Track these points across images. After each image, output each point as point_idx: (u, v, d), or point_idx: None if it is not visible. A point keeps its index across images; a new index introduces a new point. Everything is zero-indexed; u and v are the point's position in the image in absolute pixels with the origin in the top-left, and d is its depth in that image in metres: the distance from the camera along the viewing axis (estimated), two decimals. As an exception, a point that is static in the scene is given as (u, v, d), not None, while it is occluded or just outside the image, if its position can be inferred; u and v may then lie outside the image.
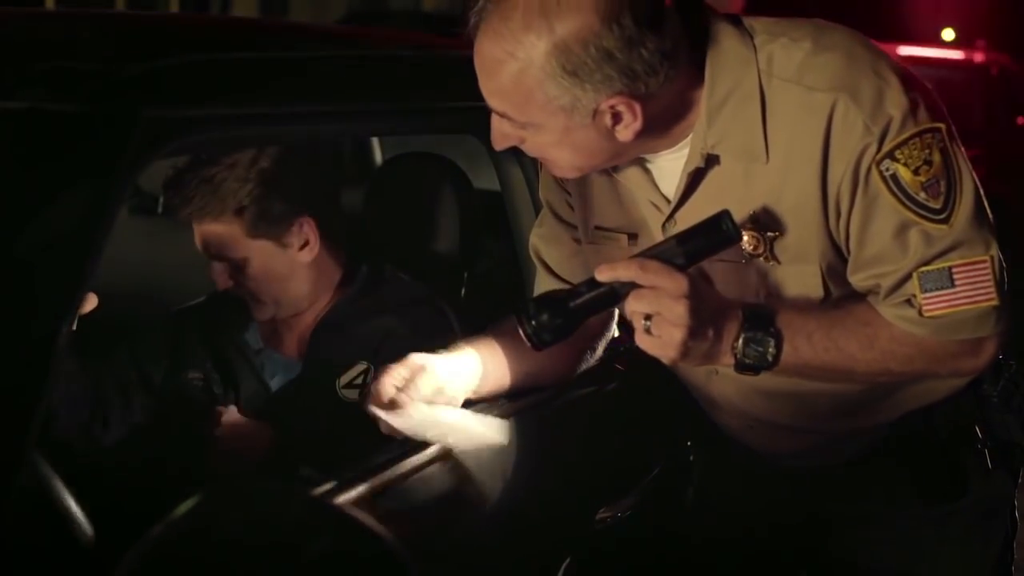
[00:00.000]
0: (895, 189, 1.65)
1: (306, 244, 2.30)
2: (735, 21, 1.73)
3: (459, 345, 1.93)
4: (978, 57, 8.91)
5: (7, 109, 1.42)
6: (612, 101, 1.61)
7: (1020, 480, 2.04)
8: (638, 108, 1.63)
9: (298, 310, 2.35)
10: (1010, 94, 8.77)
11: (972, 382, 1.91)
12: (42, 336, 1.31)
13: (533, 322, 1.66)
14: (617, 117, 1.64)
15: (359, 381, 2.25)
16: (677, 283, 1.59)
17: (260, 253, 2.27)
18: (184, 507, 1.13)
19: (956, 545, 2.01)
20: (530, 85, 1.60)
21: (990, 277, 1.68)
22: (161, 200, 2.29)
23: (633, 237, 1.87)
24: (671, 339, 1.60)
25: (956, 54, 9.27)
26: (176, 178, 2.23)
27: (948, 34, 16.38)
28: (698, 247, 1.62)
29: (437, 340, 2.25)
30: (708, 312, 1.62)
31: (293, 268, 2.30)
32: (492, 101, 1.67)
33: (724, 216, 1.61)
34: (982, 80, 8.46)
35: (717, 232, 1.61)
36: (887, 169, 1.64)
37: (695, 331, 1.60)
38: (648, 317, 1.61)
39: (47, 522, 1.43)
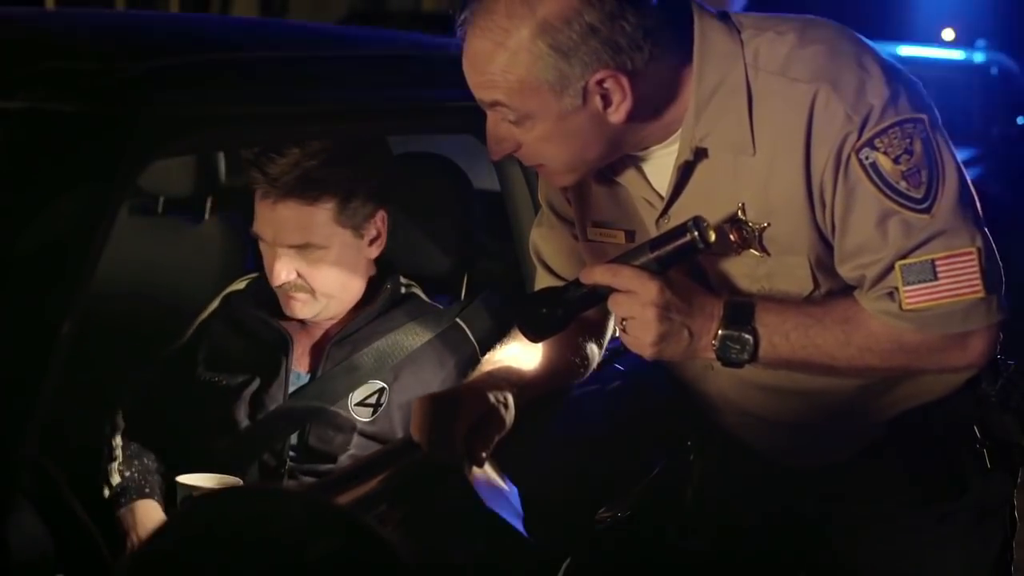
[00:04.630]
0: (875, 178, 1.66)
1: (376, 238, 2.24)
2: (723, 17, 1.76)
3: (493, 367, 1.90)
4: (978, 57, 8.90)
5: (7, 109, 1.42)
6: (600, 75, 1.64)
7: (1019, 479, 2.04)
8: (626, 83, 1.65)
9: (338, 312, 2.26)
10: (1010, 94, 8.77)
11: (970, 381, 1.91)
12: (42, 336, 1.31)
13: (528, 316, 1.78)
14: (607, 99, 1.66)
15: (372, 401, 2.20)
16: (647, 289, 1.68)
17: (340, 242, 2.19)
18: (184, 507, 1.13)
19: (955, 545, 2.01)
20: (520, 71, 1.64)
21: (976, 269, 1.68)
22: (257, 175, 2.13)
23: (631, 234, 1.89)
24: (643, 340, 1.71)
25: (956, 54, 9.27)
26: (278, 154, 2.11)
27: (948, 34, 16.38)
28: (668, 253, 1.70)
29: (458, 362, 2.24)
30: (682, 314, 1.70)
31: (359, 262, 2.23)
32: (484, 94, 1.70)
33: (692, 223, 1.68)
34: (982, 80, 8.46)
35: (685, 239, 1.69)
36: (867, 158, 1.66)
37: (666, 334, 1.70)
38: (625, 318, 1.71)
39: (49, 522, 1.43)
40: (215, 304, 2.38)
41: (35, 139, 1.41)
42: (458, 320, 2.29)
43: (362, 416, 2.19)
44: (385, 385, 2.21)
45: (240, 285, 2.38)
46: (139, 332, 2.50)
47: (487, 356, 1.94)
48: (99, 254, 1.37)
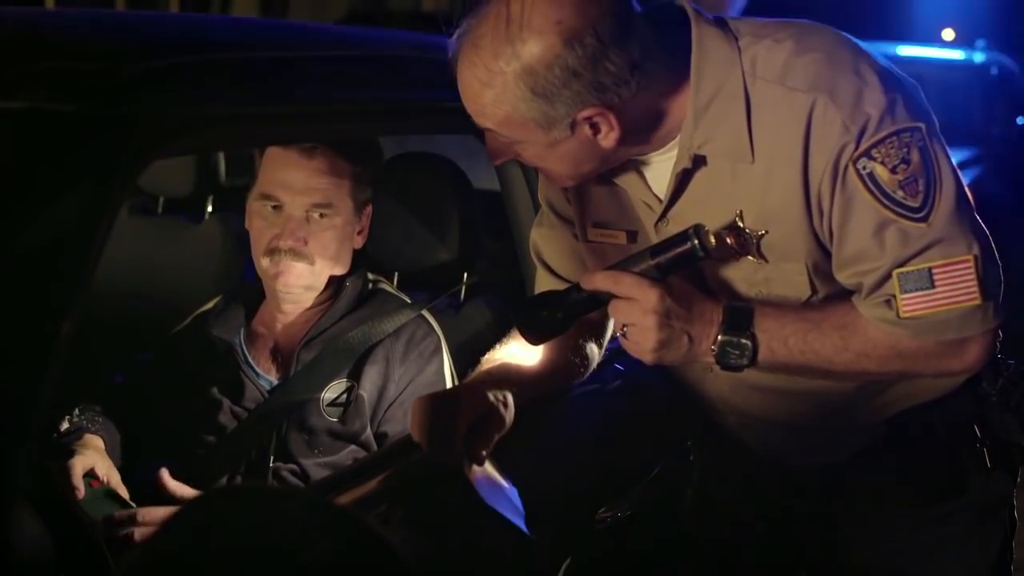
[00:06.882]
0: (872, 187, 1.67)
1: (362, 231, 2.30)
2: (720, 24, 1.75)
3: (493, 366, 1.90)
4: (978, 57, 8.90)
5: (7, 109, 1.42)
6: (586, 113, 1.65)
7: (1019, 479, 2.04)
8: (612, 118, 1.67)
9: (309, 296, 2.27)
10: (1010, 94, 8.76)
11: (970, 380, 1.91)
12: (42, 336, 1.31)
13: (528, 319, 1.80)
14: (595, 128, 1.68)
15: (342, 400, 2.20)
16: (647, 296, 1.70)
17: (346, 214, 2.23)
18: (184, 508, 1.13)
19: (955, 544, 2.01)
20: (506, 109, 1.66)
21: (972, 277, 1.68)
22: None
23: (632, 235, 1.89)
24: (644, 346, 1.73)
25: (956, 54, 9.26)
26: None
27: (948, 34, 16.37)
28: (668, 260, 1.71)
29: (421, 354, 2.25)
30: (682, 320, 1.72)
31: (348, 246, 2.27)
32: (477, 120, 1.73)
33: (692, 231, 1.69)
34: (982, 80, 8.45)
35: (685, 246, 1.70)
36: (864, 167, 1.66)
37: (666, 340, 1.72)
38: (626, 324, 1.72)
39: (49, 522, 1.43)
40: (186, 322, 2.40)
41: (35, 139, 1.41)
42: (424, 313, 2.30)
43: (333, 415, 2.19)
44: (353, 382, 2.21)
45: (209, 305, 2.40)
46: (139, 332, 2.50)
47: (487, 355, 1.94)
48: (99, 254, 1.37)
